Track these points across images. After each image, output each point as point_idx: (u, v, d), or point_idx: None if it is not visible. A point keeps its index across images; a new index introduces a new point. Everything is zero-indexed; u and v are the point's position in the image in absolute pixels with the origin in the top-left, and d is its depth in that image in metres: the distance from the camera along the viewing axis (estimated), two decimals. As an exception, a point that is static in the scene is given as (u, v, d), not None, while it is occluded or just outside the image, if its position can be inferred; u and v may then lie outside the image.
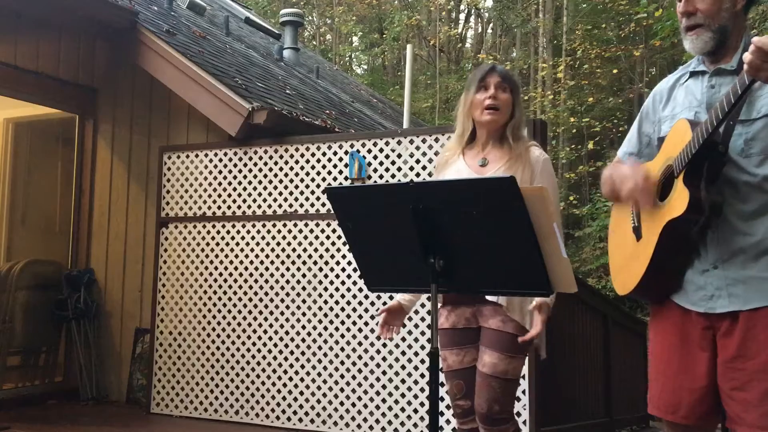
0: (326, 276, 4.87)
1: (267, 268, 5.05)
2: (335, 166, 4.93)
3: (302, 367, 4.87)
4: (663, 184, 1.99)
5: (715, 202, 1.88)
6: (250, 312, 5.07)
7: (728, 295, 1.91)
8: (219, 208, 5.28)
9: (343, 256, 4.82)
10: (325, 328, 4.83)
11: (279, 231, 5.05)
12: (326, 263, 4.88)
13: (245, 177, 5.20)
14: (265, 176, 5.14)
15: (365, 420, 4.66)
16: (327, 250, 4.89)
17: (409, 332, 4.57)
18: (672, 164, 1.95)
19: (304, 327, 4.89)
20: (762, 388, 1.84)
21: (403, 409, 4.58)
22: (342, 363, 4.76)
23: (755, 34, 2.03)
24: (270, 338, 4.99)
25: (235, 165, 5.25)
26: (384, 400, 4.62)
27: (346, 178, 4.89)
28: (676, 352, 2.01)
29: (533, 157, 2.71)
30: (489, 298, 2.63)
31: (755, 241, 1.90)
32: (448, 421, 4.36)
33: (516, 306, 2.64)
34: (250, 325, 5.05)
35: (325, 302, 4.85)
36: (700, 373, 1.96)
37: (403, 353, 4.58)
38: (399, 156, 4.78)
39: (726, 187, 1.91)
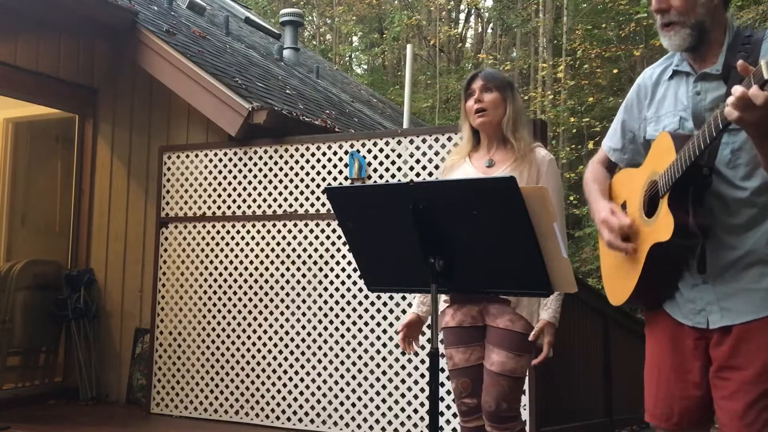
0: (326, 276, 4.87)
1: (267, 268, 5.05)
2: (335, 166, 4.93)
3: (302, 367, 4.86)
4: (650, 197, 1.96)
5: (702, 226, 1.84)
6: (250, 312, 5.07)
7: (720, 309, 1.88)
8: (219, 208, 5.28)
9: (343, 256, 4.82)
10: (325, 328, 4.83)
11: (279, 231, 5.05)
12: (326, 263, 4.87)
13: (245, 177, 5.20)
14: (265, 176, 5.14)
15: (365, 420, 4.66)
16: (327, 250, 4.88)
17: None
18: (657, 180, 1.91)
19: (304, 327, 4.89)
20: (748, 399, 1.82)
21: (403, 409, 4.57)
22: (342, 363, 4.76)
23: (748, 33, 1.96)
24: (270, 338, 4.98)
25: (235, 165, 5.25)
26: (384, 400, 4.62)
27: (346, 178, 4.89)
28: (669, 360, 1.99)
29: (539, 158, 2.74)
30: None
31: (743, 253, 1.86)
32: (448, 421, 4.36)
33: (524, 303, 2.65)
34: (249, 325, 5.05)
35: (325, 302, 4.85)
36: (692, 382, 1.94)
37: (403, 353, 4.58)
38: (399, 156, 4.77)
39: (713, 200, 1.87)
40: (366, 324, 4.72)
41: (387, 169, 4.80)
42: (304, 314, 4.90)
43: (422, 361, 4.52)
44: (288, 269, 4.99)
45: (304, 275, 4.94)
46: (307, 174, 5.01)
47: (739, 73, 1.59)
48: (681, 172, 1.80)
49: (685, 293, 1.95)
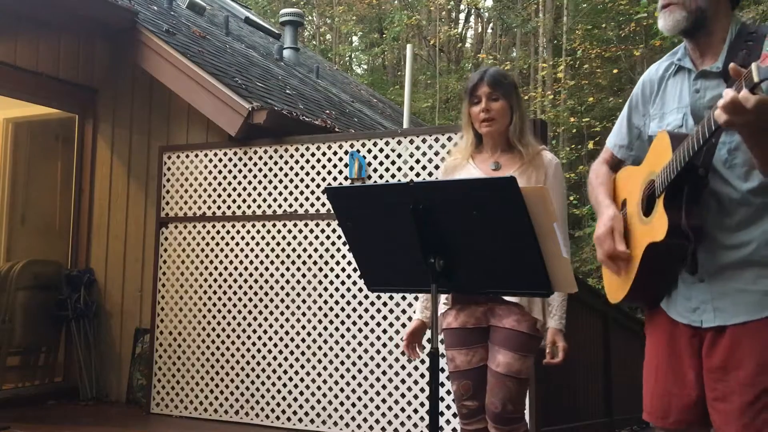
0: (326, 276, 4.87)
1: (267, 268, 5.05)
2: (335, 166, 4.93)
3: (302, 367, 4.86)
4: (648, 195, 1.96)
5: (695, 227, 1.83)
6: (250, 312, 5.07)
7: (713, 309, 1.87)
8: (219, 208, 5.28)
9: (343, 256, 4.82)
10: (325, 328, 4.83)
11: (279, 231, 5.05)
12: (326, 263, 4.87)
13: (245, 177, 5.20)
14: (265, 176, 5.14)
15: (365, 420, 4.65)
16: (327, 250, 4.88)
17: (409, 332, 4.56)
18: (654, 180, 1.90)
19: (304, 327, 4.89)
20: (743, 400, 1.80)
21: (403, 409, 4.57)
22: (342, 363, 4.76)
23: (753, 30, 1.96)
24: (270, 338, 4.98)
25: (235, 165, 5.25)
26: (384, 400, 4.62)
27: (346, 178, 4.89)
28: (666, 359, 1.99)
29: (546, 161, 2.76)
30: (506, 297, 2.65)
31: (740, 253, 1.85)
32: (448, 422, 4.36)
33: (537, 303, 2.66)
34: (250, 325, 5.05)
35: (325, 302, 4.85)
36: (688, 381, 1.92)
37: (404, 353, 4.57)
38: (399, 156, 4.77)
39: (710, 199, 1.86)
40: (366, 324, 4.72)
41: (387, 169, 4.80)
42: (304, 314, 4.90)
43: (422, 361, 4.52)
44: (288, 269, 4.99)
45: (304, 275, 4.93)
46: (307, 174, 5.01)
47: (731, 75, 1.57)
48: (676, 173, 1.80)
49: (682, 291, 1.94)
